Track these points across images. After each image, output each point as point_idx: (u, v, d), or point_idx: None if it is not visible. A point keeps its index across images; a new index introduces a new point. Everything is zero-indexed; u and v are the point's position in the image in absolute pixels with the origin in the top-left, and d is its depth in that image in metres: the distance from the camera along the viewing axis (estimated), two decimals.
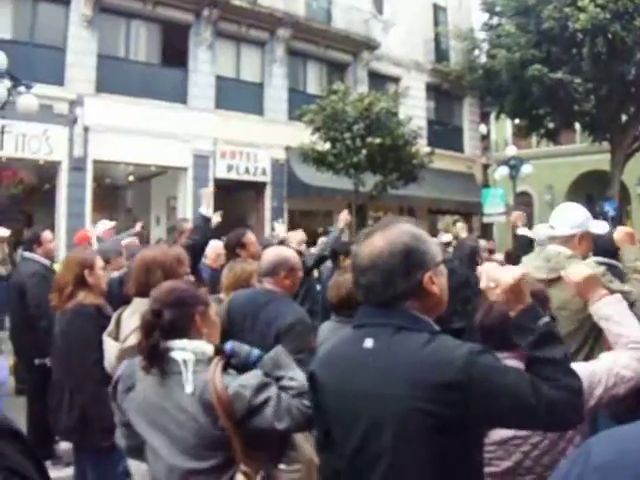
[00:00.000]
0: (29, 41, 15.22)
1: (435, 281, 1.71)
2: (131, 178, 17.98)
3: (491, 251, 13.03)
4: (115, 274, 4.99)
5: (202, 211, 5.40)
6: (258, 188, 17.53)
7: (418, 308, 1.70)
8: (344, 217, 6.20)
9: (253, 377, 2.20)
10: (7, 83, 10.38)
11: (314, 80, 19.63)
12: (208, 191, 5.77)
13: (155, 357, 2.22)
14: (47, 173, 15.41)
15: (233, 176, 17.01)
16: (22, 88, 10.68)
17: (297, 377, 2.24)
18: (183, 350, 2.21)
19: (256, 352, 2.38)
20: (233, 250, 5.12)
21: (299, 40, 18.62)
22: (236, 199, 17.23)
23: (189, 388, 2.14)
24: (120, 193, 18.97)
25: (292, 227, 15.96)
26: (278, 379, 2.25)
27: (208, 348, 2.27)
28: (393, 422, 1.58)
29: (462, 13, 23.71)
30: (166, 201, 17.44)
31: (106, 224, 8.18)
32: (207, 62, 17.11)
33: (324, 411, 1.81)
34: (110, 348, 3.05)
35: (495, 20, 20.87)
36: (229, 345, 2.35)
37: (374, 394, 1.63)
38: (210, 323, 2.36)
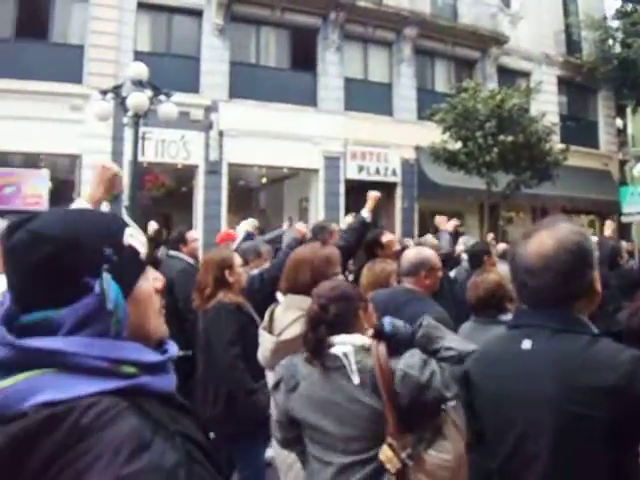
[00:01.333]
0: (166, 52, 15.89)
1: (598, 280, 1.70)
2: (264, 180, 18.32)
3: (630, 253, 12.21)
4: (255, 271, 5.00)
5: (364, 214, 5.23)
6: (388, 189, 17.31)
7: (582, 308, 1.67)
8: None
9: (414, 356, 2.28)
10: (148, 93, 10.78)
11: (442, 78, 19.23)
12: (374, 195, 5.45)
13: (319, 350, 2.32)
14: (184, 176, 15.97)
15: (364, 177, 16.92)
16: (162, 97, 11.06)
17: (452, 344, 2.34)
18: (343, 344, 2.29)
19: (408, 326, 2.46)
20: (371, 250, 5.12)
21: (426, 38, 18.31)
22: (366, 200, 17.04)
23: (356, 379, 2.22)
24: (253, 195, 19.37)
25: (423, 228, 15.89)
26: (435, 352, 2.34)
27: (366, 340, 2.34)
28: (551, 426, 1.55)
29: (594, 1, 22.51)
30: (298, 202, 17.61)
31: (250, 224, 8.21)
32: (335, 64, 17.17)
33: (476, 411, 1.80)
34: (265, 341, 3.09)
35: (630, 6, 19.67)
36: (387, 324, 2.40)
37: (531, 397, 1.60)
38: (370, 319, 2.47)
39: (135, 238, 1.10)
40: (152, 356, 1.04)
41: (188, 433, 1.01)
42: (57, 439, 0.87)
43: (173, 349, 1.11)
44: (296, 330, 2.81)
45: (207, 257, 4.32)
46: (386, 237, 5.24)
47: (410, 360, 2.25)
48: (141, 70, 10.57)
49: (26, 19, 15.05)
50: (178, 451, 0.93)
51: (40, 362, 0.94)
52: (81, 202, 2.34)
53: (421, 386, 2.19)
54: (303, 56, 17.03)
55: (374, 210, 5.18)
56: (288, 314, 2.98)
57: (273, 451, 3.19)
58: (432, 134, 14.95)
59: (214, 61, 15.94)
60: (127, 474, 0.85)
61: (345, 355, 2.25)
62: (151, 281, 1.14)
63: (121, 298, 1.02)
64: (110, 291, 1.00)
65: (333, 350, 2.29)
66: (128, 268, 1.06)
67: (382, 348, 2.28)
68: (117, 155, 14.48)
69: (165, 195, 15.80)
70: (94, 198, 2.34)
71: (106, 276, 1.00)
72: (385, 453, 2.18)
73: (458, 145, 14.64)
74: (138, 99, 10.26)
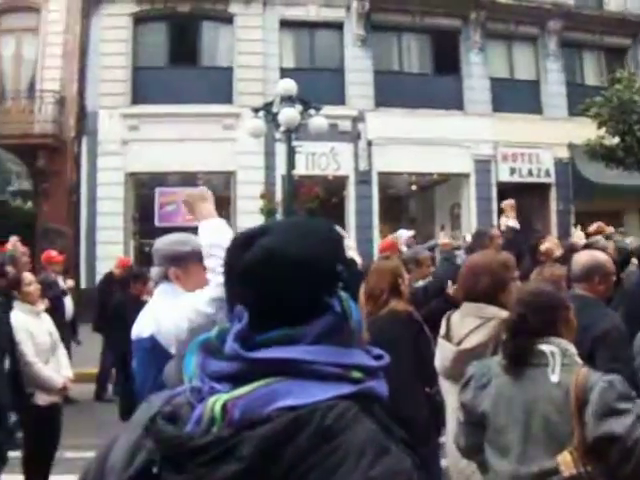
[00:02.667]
0: (310, 67, 16.12)
1: None
2: (413, 187, 18.21)
3: None
4: (420, 283, 5.02)
5: (510, 224, 5.44)
6: (542, 190, 16.66)
7: None
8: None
9: (620, 381, 2.13)
10: (298, 107, 10.92)
11: (592, 70, 18.30)
12: (510, 203, 5.81)
13: (519, 358, 2.25)
14: (334, 187, 16.09)
15: (516, 179, 16.40)
16: (312, 111, 11.17)
17: None
18: (547, 344, 2.23)
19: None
20: (533, 255, 5.12)
21: (572, 30, 17.46)
22: (520, 203, 16.45)
23: (555, 378, 2.15)
24: (403, 203, 19.28)
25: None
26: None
27: (571, 347, 2.27)
28: None
29: None
30: (450, 209, 17.31)
31: (407, 233, 8.17)
32: (480, 65, 16.77)
33: None
34: (445, 350, 3.08)
35: None
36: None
37: None
38: (570, 327, 2.37)
39: (351, 249, 1.10)
40: (373, 361, 1.04)
41: (406, 439, 1.00)
42: (302, 441, 0.89)
43: (386, 356, 1.08)
44: (477, 338, 2.85)
45: (380, 265, 4.33)
46: (545, 244, 5.21)
47: (614, 380, 2.13)
48: (290, 86, 10.82)
49: (177, 47, 15.85)
50: (410, 456, 0.95)
51: (274, 371, 0.95)
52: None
53: (612, 410, 2.07)
54: (446, 59, 16.79)
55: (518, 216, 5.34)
56: (466, 322, 2.98)
57: (447, 461, 3.21)
58: (586, 130, 14.28)
59: (358, 71, 16.04)
60: (374, 476, 0.87)
61: (552, 354, 2.20)
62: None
63: (359, 315, 1.03)
64: (352, 310, 1.01)
65: (541, 347, 2.23)
66: (353, 281, 1.22)
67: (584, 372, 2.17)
68: (270, 170, 14.89)
69: (318, 206, 15.95)
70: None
71: (344, 295, 1.01)
72: (564, 457, 2.09)
73: (615, 140, 13.91)
74: (289, 114, 10.47)
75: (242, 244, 1.03)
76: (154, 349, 2.58)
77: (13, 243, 7.79)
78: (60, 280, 8.88)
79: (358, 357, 1.01)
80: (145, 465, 0.93)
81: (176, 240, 2.90)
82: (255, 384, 0.93)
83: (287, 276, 0.97)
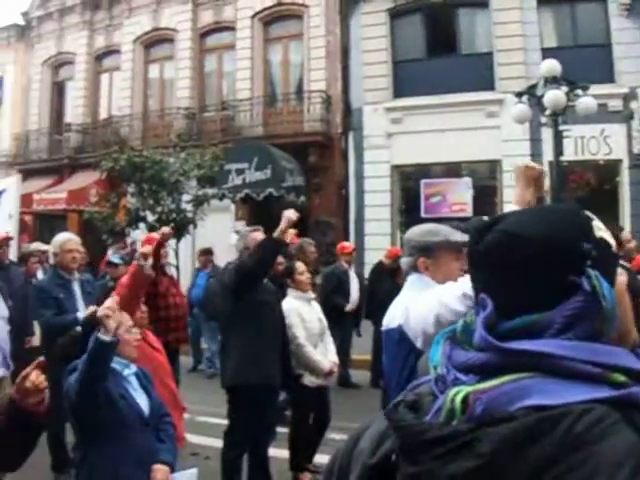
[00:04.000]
0: (573, 44, 15.25)
1: None
2: None
3: None
4: None
5: None
6: None
7: None
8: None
9: None
10: (564, 89, 10.35)
11: None
12: None
13: None
14: (606, 173, 15.09)
15: None
16: (579, 91, 10.55)
17: None
18: None
19: None
20: None
21: None
22: None
23: None
24: None
25: None
26: None
27: None
28: None
29: None
30: None
31: None
32: None
33: None
34: None
35: None
36: None
37: None
38: None
39: (603, 230, 0.99)
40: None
41: None
42: (547, 446, 0.80)
43: None
44: None
45: None
46: None
47: None
48: (553, 67, 10.38)
49: (435, 38, 15.88)
50: None
51: (525, 366, 0.87)
52: (511, 206, 2.28)
53: None
54: None
55: None
56: None
57: None
58: None
59: (626, 44, 14.77)
60: None
61: None
62: (622, 277, 1.02)
63: (613, 297, 0.92)
64: (603, 288, 0.91)
65: None
66: (606, 263, 0.96)
67: None
68: (536, 157, 14.30)
69: (589, 194, 15.14)
70: (524, 199, 2.32)
71: (593, 272, 0.91)
72: None
73: None
74: (555, 97, 10.04)
75: (482, 228, 0.99)
76: (401, 341, 2.57)
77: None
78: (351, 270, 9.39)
79: (623, 357, 0.91)
80: (388, 454, 0.93)
81: (427, 230, 2.87)
82: (503, 378, 0.88)
83: (529, 257, 0.92)
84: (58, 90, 21.90)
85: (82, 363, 3.00)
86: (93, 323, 3.12)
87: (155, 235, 6.64)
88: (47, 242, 8.03)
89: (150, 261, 4.47)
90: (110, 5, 20.10)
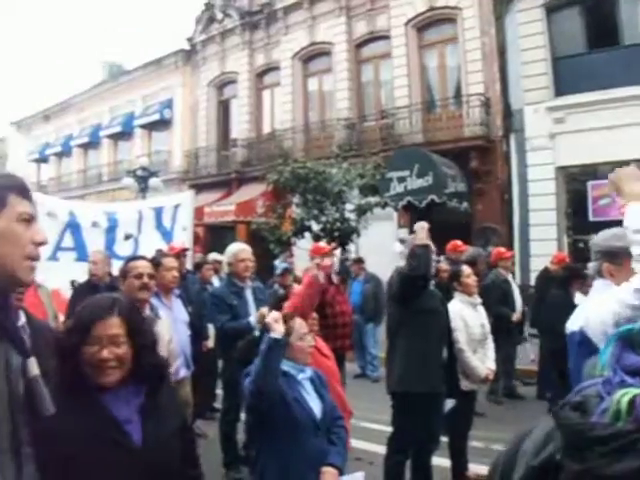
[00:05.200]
0: None
1: None
2: None
3: None
4: None
5: None
6: None
7: None
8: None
9: None
10: None
11: None
12: None
13: None
14: None
15: None
16: None
17: None
18: None
19: None
20: None
21: None
22: None
23: None
24: None
25: None
26: None
27: None
28: None
29: None
30: None
31: None
32: None
33: None
34: None
35: None
36: None
37: None
38: None
39: None
40: None
41: None
42: None
43: None
44: None
45: None
46: None
47: None
48: None
49: (595, 30, 15.19)
50: None
51: None
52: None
53: None
54: None
55: None
56: None
57: None
58: None
59: None
60: None
61: None
62: None
63: None
64: None
65: None
66: None
67: None
68: None
69: None
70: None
71: None
72: None
73: None
74: None
75: None
76: (582, 344, 2.56)
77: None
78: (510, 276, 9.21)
79: None
80: (553, 453, 0.93)
81: (612, 235, 2.78)
82: None
83: None
84: (223, 108, 23.42)
85: (255, 364, 3.25)
86: (265, 328, 3.37)
87: (322, 245, 7.08)
88: (219, 252, 8.87)
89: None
90: (268, 24, 21.15)
